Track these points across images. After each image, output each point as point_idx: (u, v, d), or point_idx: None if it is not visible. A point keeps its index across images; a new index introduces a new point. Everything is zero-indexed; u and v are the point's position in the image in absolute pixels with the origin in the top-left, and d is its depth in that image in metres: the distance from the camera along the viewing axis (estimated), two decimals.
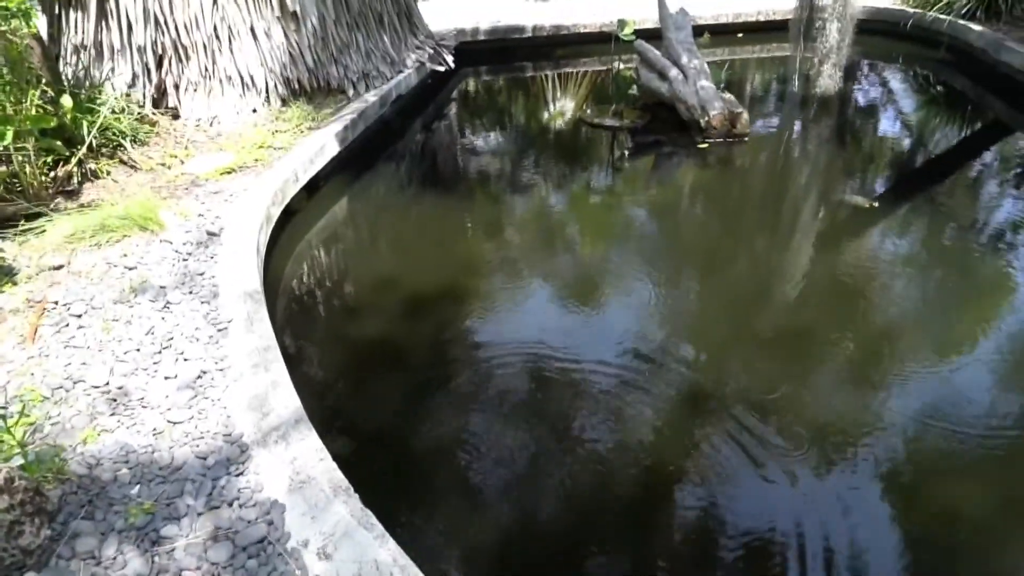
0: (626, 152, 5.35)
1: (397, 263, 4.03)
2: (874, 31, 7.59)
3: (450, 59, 6.54)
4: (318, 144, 4.68)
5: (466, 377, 3.01)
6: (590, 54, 7.51)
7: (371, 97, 5.43)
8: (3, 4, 4.66)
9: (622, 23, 5.29)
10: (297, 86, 5.29)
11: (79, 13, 4.95)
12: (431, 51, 6.41)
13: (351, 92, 5.44)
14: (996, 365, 2.95)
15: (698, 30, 7.09)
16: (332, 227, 4.42)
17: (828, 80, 5.54)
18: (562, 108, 6.31)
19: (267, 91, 5.16)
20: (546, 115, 6.29)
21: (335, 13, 5.35)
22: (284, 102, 5.24)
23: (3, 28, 4.38)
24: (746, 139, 5.14)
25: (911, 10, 7.61)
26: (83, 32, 4.96)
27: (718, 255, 4.01)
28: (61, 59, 5.04)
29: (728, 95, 5.34)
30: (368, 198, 4.88)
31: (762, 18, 7.99)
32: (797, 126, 5.78)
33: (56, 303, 2.98)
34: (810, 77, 5.67)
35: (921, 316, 3.34)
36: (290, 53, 5.20)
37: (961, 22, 6.99)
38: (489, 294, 3.62)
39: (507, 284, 3.72)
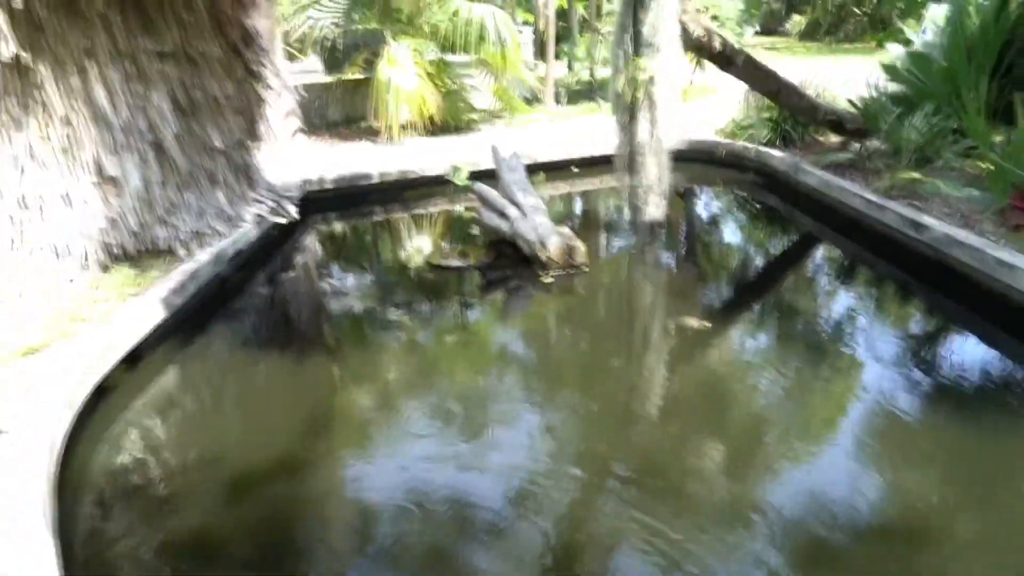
0: (475, 291, 5.38)
1: (235, 438, 3.68)
2: (694, 159, 8.37)
3: (293, 210, 6.48)
4: (141, 311, 4.36)
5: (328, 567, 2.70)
6: (437, 195, 7.71)
7: (205, 256, 5.20)
8: None
9: (456, 169, 5.49)
10: (120, 251, 5.00)
11: None
12: (272, 204, 6.32)
13: (182, 253, 5.19)
14: (842, 456, 3.12)
15: (535, 168, 7.51)
16: (157, 403, 4.03)
17: (655, 209, 5.95)
18: (411, 251, 6.35)
19: (85, 259, 4.82)
20: (396, 260, 6.30)
21: (161, 175, 5.19)
22: (105, 268, 4.91)
23: None
24: (586, 269, 5.32)
25: (723, 140, 8.49)
26: None
27: (570, 383, 4.01)
28: None
29: (565, 229, 5.57)
30: (201, 365, 4.54)
31: (594, 153, 8.59)
32: (632, 253, 6.10)
33: None
34: (639, 207, 6.07)
35: (764, 421, 3.42)
36: (111, 218, 4.94)
37: (764, 149, 7.84)
38: (345, 460, 3.38)
39: (366, 444, 3.50)
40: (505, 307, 5.16)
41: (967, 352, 4.29)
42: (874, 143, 7.07)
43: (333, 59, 11.75)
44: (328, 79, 11.58)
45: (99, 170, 4.86)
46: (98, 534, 2.94)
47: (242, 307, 5.34)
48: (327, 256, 6.63)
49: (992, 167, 5.50)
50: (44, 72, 4.54)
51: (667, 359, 4.33)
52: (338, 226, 7.45)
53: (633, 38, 5.71)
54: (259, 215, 6.08)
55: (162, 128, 5.11)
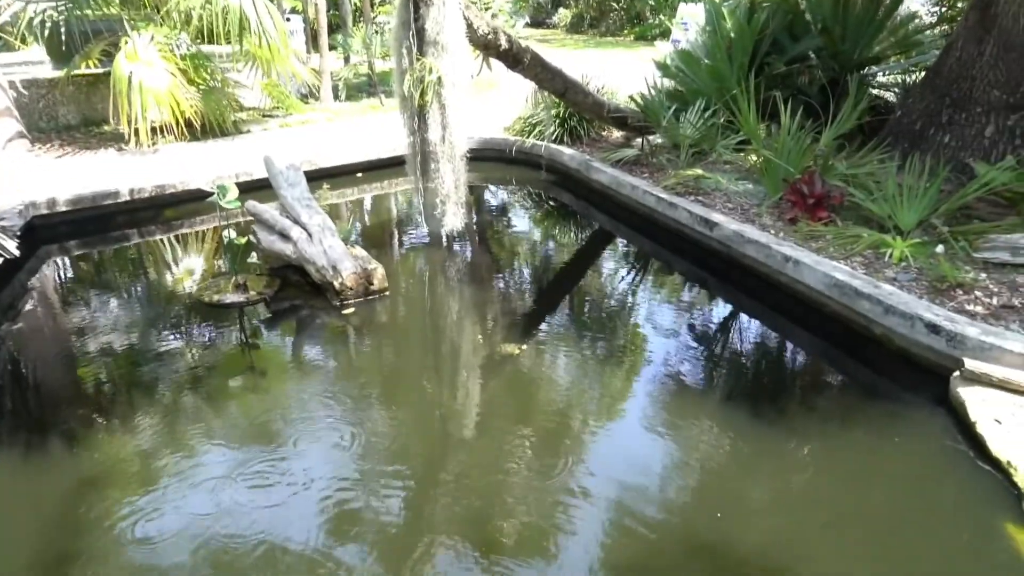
0: (259, 330, 4.62)
1: None
2: (486, 158, 8.16)
3: (12, 245, 5.19)
4: None
5: None
6: (204, 213, 6.70)
7: None
8: None
9: (222, 189, 4.65)
10: None
11: None
12: None
13: None
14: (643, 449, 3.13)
15: (317, 175, 6.81)
16: None
17: (453, 218, 5.56)
18: (176, 287, 5.37)
19: None
20: (157, 298, 5.26)
21: None
22: None
23: None
24: (387, 293, 4.82)
25: (512, 138, 8.35)
26: None
27: (376, 428, 3.49)
28: None
29: (360, 251, 5.01)
30: None
31: (381, 156, 8.04)
32: (434, 271, 5.68)
33: None
34: (435, 217, 5.65)
35: (577, 439, 3.20)
36: None
37: (554, 146, 7.81)
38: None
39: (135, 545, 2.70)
40: (298, 346, 4.47)
41: (769, 346, 4.47)
42: (655, 138, 7.32)
43: (60, 49, 9.87)
44: (56, 74, 9.73)
45: None
46: None
47: None
48: (65, 299, 5.39)
49: (763, 161, 5.86)
50: None
51: (483, 387, 3.98)
52: (79, 259, 6.16)
53: (416, 35, 5.24)
54: None
55: None
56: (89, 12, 8.56)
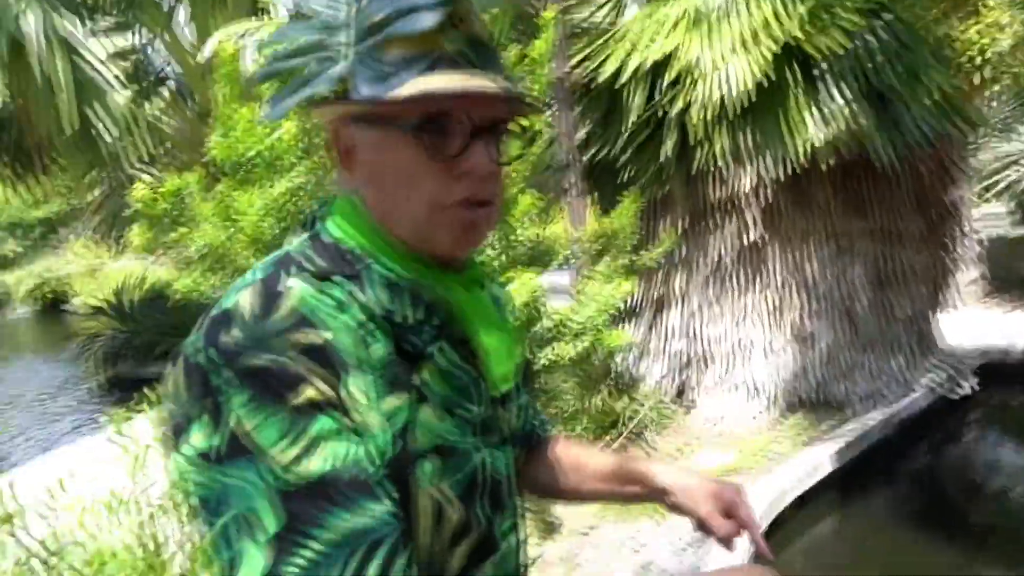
0: None
1: None
2: None
3: (967, 384, 6.20)
4: (814, 458, 4.92)
5: None
6: None
7: (873, 417, 5.50)
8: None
9: None
10: (799, 399, 5.73)
11: (634, 324, 6.41)
12: (946, 374, 6.20)
13: (851, 411, 5.61)
14: None
15: None
16: (817, 545, 4.49)
17: None
18: None
19: (770, 401, 5.72)
20: None
21: (846, 336, 5.77)
22: (784, 412, 5.70)
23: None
24: None
25: None
26: (637, 337, 6.34)
27: None
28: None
29: None
30: (857, 521, 4.81)
31: None
32: None
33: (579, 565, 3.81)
34: None
35: None
36: (797, 369, 5.74)
37: None
38: None
39: None
40: None
41: None
42: None
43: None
44: (1016, 232, 10.59)
45: (795, 328, 5.74)
46: None
47: (901, 475, 5.40)
48: (998, 437, 6.07)
49: None
50: (771, 249, 5.70)
51: None
52: (1018, 404, 6.72)
53: None
54: (931, 384, 6.05)
55: (855, 297, 5.71)
56: None
